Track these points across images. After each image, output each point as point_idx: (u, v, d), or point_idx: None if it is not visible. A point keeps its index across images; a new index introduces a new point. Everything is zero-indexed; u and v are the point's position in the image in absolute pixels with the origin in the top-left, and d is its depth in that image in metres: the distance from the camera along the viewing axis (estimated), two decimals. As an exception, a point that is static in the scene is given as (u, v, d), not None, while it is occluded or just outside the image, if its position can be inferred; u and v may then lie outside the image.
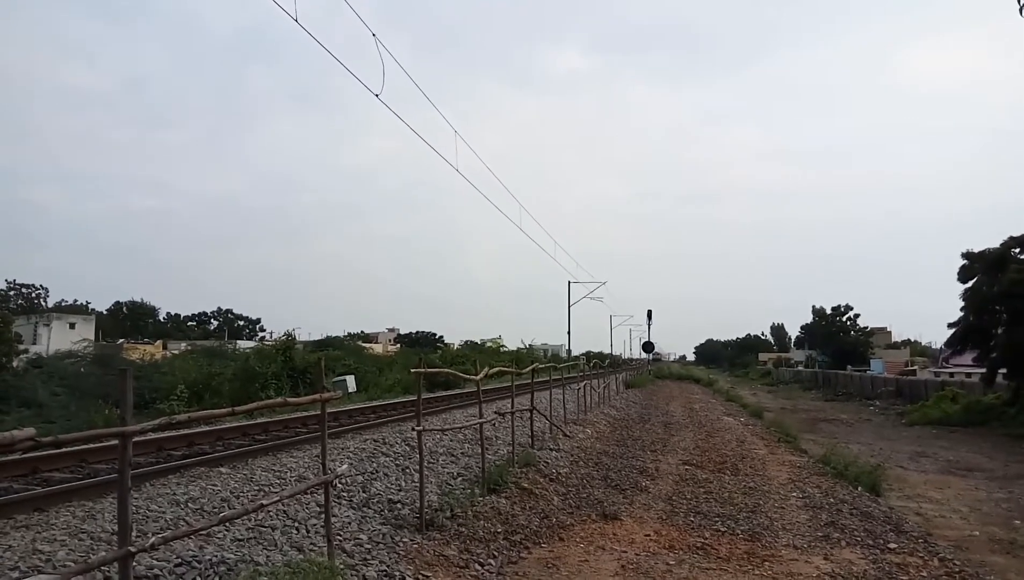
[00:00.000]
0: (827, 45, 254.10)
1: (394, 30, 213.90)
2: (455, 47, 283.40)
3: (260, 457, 10.19)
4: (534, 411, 13.84)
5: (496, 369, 13.51)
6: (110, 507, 6.68)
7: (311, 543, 6.35)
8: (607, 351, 74.08)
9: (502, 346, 63.20)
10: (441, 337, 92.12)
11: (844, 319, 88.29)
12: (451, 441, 12.31)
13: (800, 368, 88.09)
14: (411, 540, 6.97)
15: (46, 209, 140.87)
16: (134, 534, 4.42)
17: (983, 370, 35.57)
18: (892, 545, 8.65)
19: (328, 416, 6.04)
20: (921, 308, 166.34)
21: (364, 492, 8.40)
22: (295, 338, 37.10)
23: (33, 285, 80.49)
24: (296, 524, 6.80)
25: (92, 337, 57.31)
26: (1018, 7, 9.36)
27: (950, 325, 36.89)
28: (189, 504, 7.13)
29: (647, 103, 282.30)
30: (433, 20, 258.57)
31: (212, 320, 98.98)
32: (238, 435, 12.74)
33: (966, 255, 35.33)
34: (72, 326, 59.15)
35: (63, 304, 79.58)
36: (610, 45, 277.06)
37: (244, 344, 60.60)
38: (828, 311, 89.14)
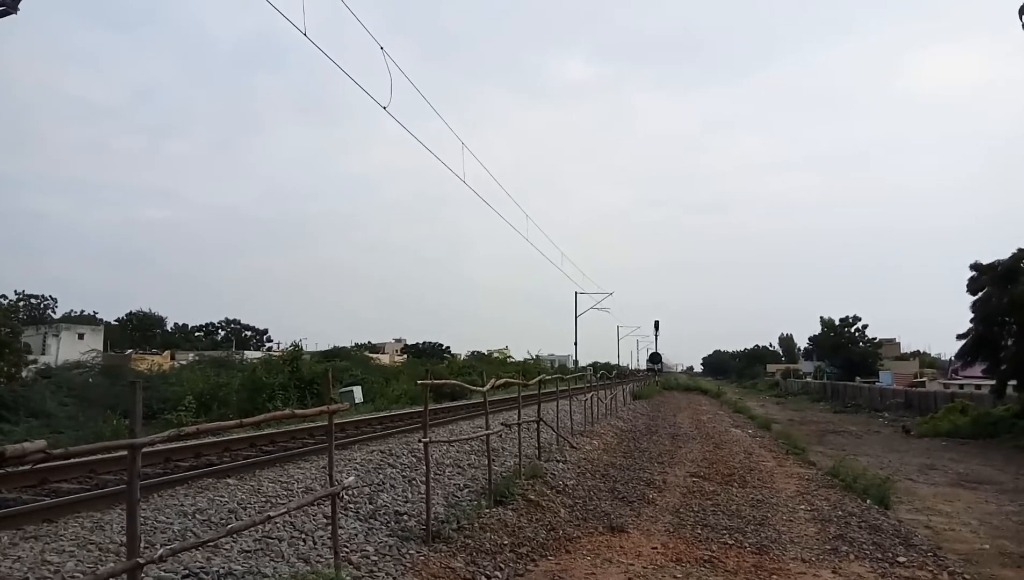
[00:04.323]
0: (833, 53, 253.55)
1: (400, 38, 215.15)
2: (461, 55, 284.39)
3: (267, 468, 10.20)
4: (541, 422, 13.84)
5: (503, 380, 13.51)
6: (118, 518, 6.70)
7: (318, 555, 6.36)
8: (614, 362, 73.98)
9: (509, 357, 63.22)
10: (448, 347, 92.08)
11: (853, 330, 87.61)
12: (457, 453, 12.30)
13: (808, 379, 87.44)
14: (417, 552, 6.97)
15: (54, 219, 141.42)
16: (142, 545, 4.44)
17: (993, 382, 35.27)
18: (901, 559, 8.59)
19: (335, 427, 6.06)
20: (930, 319, 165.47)
21: (371, 504, 8.41)
22: (302, 349, 37.24)
23: (42, 295, 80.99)
24: (303, 536, 6.81)
25: (100, 347, 57.70)
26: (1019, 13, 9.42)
27: (959, 336, 36.67)
28: (196, 515, 7.15)
29: (652, 111, 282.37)
30: (439, 28, 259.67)
31: (219, 330, 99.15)
32: (245, 446, 12.75)
33: (974, 267, 35.04)
34: (81, 336, 59.46)
35: (72, 314, 79.94)
36: (615, 53, 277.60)
37: (251, 354, 60.93)
38: (836, 322, 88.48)
